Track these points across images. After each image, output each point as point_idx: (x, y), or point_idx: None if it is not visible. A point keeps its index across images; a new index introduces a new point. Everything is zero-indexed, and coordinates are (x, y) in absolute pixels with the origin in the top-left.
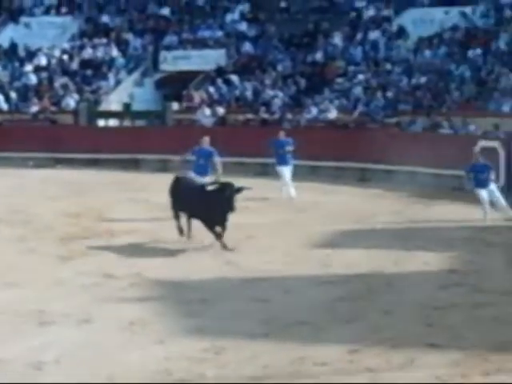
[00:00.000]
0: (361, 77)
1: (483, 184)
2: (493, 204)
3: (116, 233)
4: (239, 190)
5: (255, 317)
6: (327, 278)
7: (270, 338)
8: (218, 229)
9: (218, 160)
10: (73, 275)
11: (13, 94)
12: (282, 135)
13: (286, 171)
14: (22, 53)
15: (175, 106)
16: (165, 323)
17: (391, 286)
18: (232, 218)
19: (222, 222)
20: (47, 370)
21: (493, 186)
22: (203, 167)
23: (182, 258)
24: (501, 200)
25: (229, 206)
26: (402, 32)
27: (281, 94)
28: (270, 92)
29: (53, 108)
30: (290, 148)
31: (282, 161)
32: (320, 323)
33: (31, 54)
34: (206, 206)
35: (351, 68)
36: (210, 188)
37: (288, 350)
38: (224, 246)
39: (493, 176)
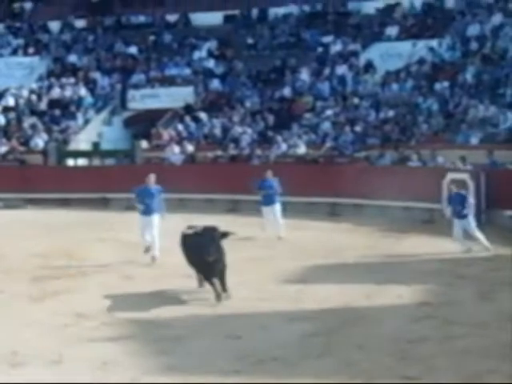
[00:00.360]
0: (329, 112)
1: (459, 215)
2: (469, 236)
3: (87, 272)
4: (224, 234)
5: (228, 354)
6: (299, 314)
7: (242, 375)
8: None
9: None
10: (44, 316)
11: None
12: (269, 175)
13: (274, 210)
14: None
15: (144, 144)
16: (137, 362)
17: (364, 319)
18: None
19: (209, 270)
20: None
21: (470, 218)
22: (149, 206)
23: (154, 296)
24: (476, 232)
25: (206, 253)
26: (369, 66)
27: (249, 131)
28: (238, 128)
29: (22, 148)
30: (277, 188)
31: (269, 201)
32: (293, 359)
33: None
34: (186, 252)
35: (319, 103)
36: (187, 232)
37: None
38: (217, 296)
39: (470, 207)
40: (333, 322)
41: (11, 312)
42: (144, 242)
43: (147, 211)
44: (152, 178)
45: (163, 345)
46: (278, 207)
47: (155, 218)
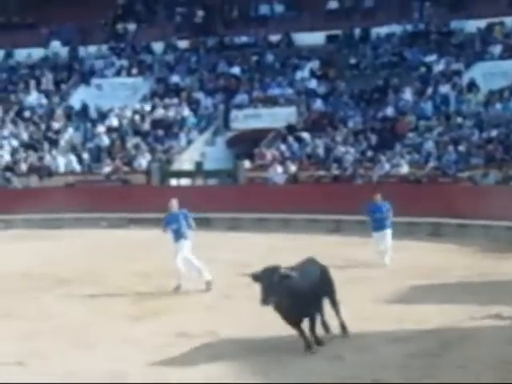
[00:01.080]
0: (432, 131)
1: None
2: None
3: (188, 291)
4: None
5: (329, 375)
6: (401, 334)
7: None
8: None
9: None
10: (145, 335)
11: (85, 155)
12: (378, 198)
13: (384, 236)
14: (93, 114)
15: (247, 164)
16: (237, 382)
17: (466, 340)
18: None
19: (285, 318)
20: None
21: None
22: (176, 232)
23: (257, 316)
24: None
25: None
26: (472, 85)
27: (352, 150)
28: (341, 148)
29: (125, 168)
30: (387, 212)
31: (379, 226)
32: (395, 381)
33: (103, 115)
34: None
35: (422, 122)
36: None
37: None
38: (306, 347)
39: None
40: (434, 343)
41: (111, 331)
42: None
43: (175, 237)
44: (174, 202)
45: (264, 366)
46: (388, 233)
47: (183, 244)
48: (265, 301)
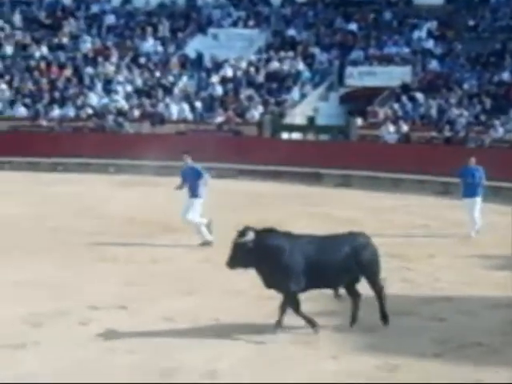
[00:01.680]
0: None
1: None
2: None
3: None
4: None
5: (430, 336)
6: (505, 300)
7: (443, 359)
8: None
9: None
10: (248, 286)
11: (198, 104)
12: (472, 162)
13: (472, 204)
14: (208, 64)
15: (359, 121)
16: (338, 339)
17: None
18: (412, 238)
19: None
20: (221, 379)
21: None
22: (190, 188)
23: None
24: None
25: None
26: None
27: (466, 113)
28: (455, 110)
29: (237, 119)
30: (480, 179)
31: (469, 192)
32: (497, 346)
33: (218, 66)
34: None
35: None
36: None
37: (462, 373)
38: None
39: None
40: None
41: (215, 281)
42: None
43: (189, 193)
44: (185, 156)
45: (368, 322)
46: (477, 201)
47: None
48: (228, 264)
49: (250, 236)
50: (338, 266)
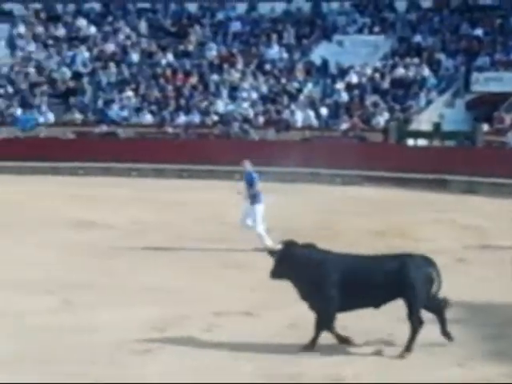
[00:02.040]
0: None
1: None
2: None
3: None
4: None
5: None
6: None
7: None
8: None
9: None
10: None
11: (323, 111)
12: None
13: None
14: (333, 70)
15: (485, 127)
16: (464, 346)
17: None
18: None
19: None
20: None
21: None
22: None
23: (483, 280)
24: None
25: None
26: None
27: None
28: None
29: (363, 126)
30: None
31: None
32: None
33: (343, 72)
34: None
35: None
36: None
37: None
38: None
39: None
40: None
41: None
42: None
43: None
44: (246, 163)
45: (490, 330)
46: None
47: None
48: (272, 273)
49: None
50: (375, 285)
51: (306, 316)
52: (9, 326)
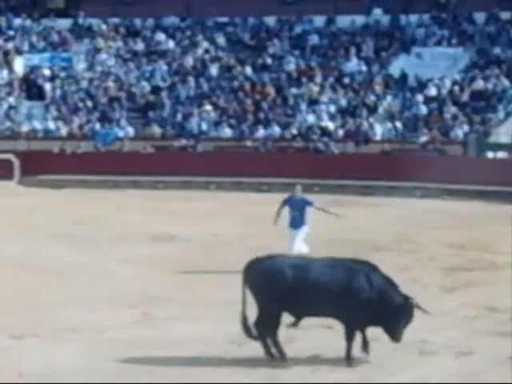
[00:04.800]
0: None
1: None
2: None
3: (500, 266)
4: None
5: None
6: None
7: None
8: None
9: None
10: (455, 306)
11: (402, 124)
12: None
13: None
14: (412, 83)
15: None
16: None
17: None
18: None
19: None
20: None
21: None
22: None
23: None
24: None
25: None
26: None
27: None
28: None
29: (442, 138)
30: None
31: None
32: None
33: (422, 85)
34: None
35: None
36: None
37: None
38: None
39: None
40: None
41: (423, 301)
42: None
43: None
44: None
45: None
46: None
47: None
48: None
49: None
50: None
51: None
52: (89, 339)
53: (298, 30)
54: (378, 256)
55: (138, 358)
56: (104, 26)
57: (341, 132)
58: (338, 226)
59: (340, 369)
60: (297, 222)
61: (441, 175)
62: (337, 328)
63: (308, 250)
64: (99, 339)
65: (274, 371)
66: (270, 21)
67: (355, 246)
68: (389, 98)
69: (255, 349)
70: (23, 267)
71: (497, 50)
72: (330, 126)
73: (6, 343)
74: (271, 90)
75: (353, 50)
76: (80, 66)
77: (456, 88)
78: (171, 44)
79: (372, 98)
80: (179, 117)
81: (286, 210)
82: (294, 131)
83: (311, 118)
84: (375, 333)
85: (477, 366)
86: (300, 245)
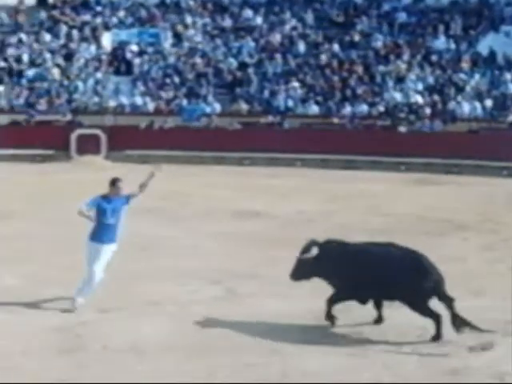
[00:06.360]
0: None
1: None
2: None
3: None
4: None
5: None
6: None
7: None
8: None
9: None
10: None
11: (490, 102)
12: None
13: None
14: (500, 61)
15: None
16: None
17: None
18: None
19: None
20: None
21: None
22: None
23: None
24: None
25: None
26: None
27: None
28: None
29: None
30: None
31: None
32: None
33: (510, 63)
34: None
35: None
36: None
37: None
38: None
39: None
40: None
41: (507, 281)
42: None
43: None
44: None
45: None
46: None
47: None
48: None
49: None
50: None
51: (468, 310)
52: (174, 314)
53: (386, 7)
54: (462, 235)
55: (224, 334)
56: (191, 2)
57: (428, 110)
58: (424, 204)
59: (423, 349)
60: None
61: None
62: None
63: None
64: (184, 314)
65: (360, 347)
66: None
67: (440, 224)
68: (477, 77)
69: (339, 326)
70: None
71: None
72: (420, 100)
73: (92, 317)
74: (358, 68)
75: (441, 28)
76: (167, 41)
77: None
78: (259, 20)
79: (460, 76)
80: (266, 93)
81: None
82: (381, 108)
83: (398, 96)
84: None
85: None
86: None
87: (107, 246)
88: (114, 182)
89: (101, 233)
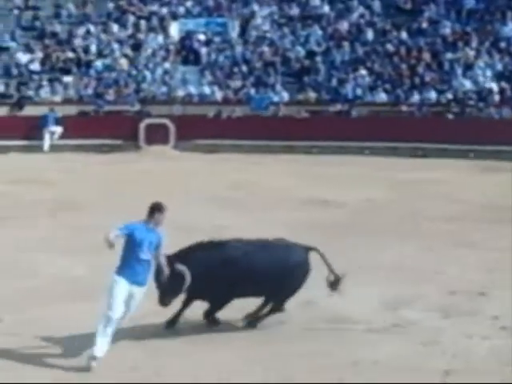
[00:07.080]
0: None
1: None
2: None
3: None
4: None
5: None
6: None
7: None
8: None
9: None
10: None
11: None
12: None
13: None
14: None
15: None
16: None
17: None
18: None
19: None
20: None
21: None
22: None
23: None
24: None
25: None
26: None
27: None
28: None
29: None
30: None
31: None
32: None
33: None
34: None
35: None
36: None
37: None
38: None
39: None
40: None
41: None
42: None
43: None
44: None
45: None
46: None
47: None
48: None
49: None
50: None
51: None
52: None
53: None
54: None
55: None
56: None
57: (497, 97)
58: (494, 192)
59: (493, 335)
60: None
61: None
62: (490, 294)
63: None
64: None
65: (431, 335)
66: None
67: (504, 213)
68: None
69: (408, 313)
70: (180, 229)
71: None
72: (494, 87)
73: None
74: (427, 55)
75: (509, 14)
76: (235, 31)
77: None
78: (326, 9)
79: None
80: (334, 82)
81: None
82: (450, 96)
83: (467, 83)
84: None
85: None
86: None
87: (137, 289)
88: (158, 208)
89: (131, 271)
